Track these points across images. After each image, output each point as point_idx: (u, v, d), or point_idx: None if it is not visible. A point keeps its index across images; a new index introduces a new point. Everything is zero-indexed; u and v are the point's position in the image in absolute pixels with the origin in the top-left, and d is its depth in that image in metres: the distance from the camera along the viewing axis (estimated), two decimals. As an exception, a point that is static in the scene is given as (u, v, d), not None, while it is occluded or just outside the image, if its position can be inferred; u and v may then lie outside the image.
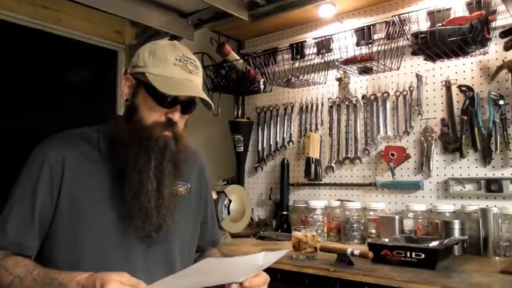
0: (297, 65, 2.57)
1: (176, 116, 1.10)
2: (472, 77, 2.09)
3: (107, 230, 1.05)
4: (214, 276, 0.96)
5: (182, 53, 1.11)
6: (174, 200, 1.12)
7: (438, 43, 1.86)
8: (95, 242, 1.04)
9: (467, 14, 1.93)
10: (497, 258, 1.79)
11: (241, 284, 0.99)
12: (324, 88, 2.61)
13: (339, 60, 2.27)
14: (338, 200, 2.40)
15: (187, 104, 1.11)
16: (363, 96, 2.44)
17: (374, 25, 2.26)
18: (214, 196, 2.31)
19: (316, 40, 2.47)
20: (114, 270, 0.89)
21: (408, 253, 1.62)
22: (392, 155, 2.27)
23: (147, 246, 1.09)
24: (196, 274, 0.90)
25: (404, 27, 2.01)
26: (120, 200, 1.06)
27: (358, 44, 2.34)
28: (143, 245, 1.08)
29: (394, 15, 2.02)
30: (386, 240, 1.84)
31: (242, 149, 2.80)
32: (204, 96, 1.10)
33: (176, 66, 1.09)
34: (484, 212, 1.85)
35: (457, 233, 1.90)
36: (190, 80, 1.10)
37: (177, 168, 1.12)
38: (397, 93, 2.31)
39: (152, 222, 1.06)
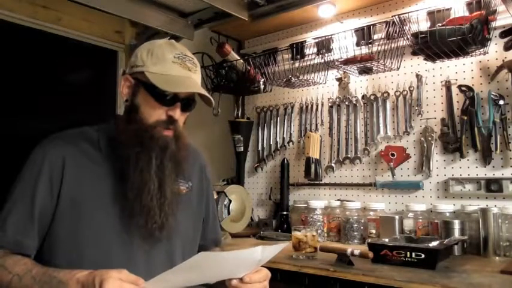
0: (297, 65, 2.57)
1: (177, 114, 1.11)
2: (472, 77, 2.09)
3: (109, 229, 1.05)
4: (212, 271, 0.96)
5: (180, 51, 1.12)
6: (176, 198, 1.12)
7: (438, 43, 1.86)
8: (97, 241, 1.04)
9: (467, 14, 1.92)
10: (497, 258, 1.79)
11: (241, 279, 0.99)
12: (324, 88, 2.61)
13: (339, 60, 2.27)
14: (338, 200, 2.40)
15: (187, 102, 1.13)
16: (363, 96, 2.43)
17: (374, 25, 2.26)
18: (215, 196, 2.31)
19: (316, 40, 2.47)
20: (116, 268, 0.88)
21: (408, 253, 1.62)
22: (393, 155, 2.27)
23: (150, 245, 1.09)
24: (193, 269, 0.90)
25: (404, 27, 2.00)
26: (122, 199, 1.06)
27: (358, 44, 2.33)
28: (145, 244, 1.08)
29: (394, 15, 2.02)
30: (387, 240, 1.84)
31: (242, 149, 2.79)
32: (204, 92, 1.11)
33: (175, 64, 1.09)
34: (484, 212, 1.84)
35: (457, 233, 1.89)
36: (189, 77, 1.11)
37: (178, 166, 1.13)
38: (397, 93, 2.31)
39: (155, 220, 1.06)
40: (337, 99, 2.54)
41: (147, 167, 1.07)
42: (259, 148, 2.84)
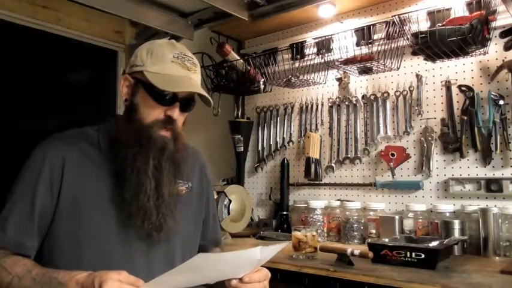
0: (297, 65, 2.57)
1: (175, 114, 1.10)
2: (472, 77, 2.09)
3: (108, 229, 1.05)
4: (211, 271, 0.96)
5: (180, 51, 1.12)
6: (174, 199, 1.12)
7: (438, 43, 1.86)
8: (96, 242, 1.04)
9: (467, 14, 1.92)
10: (497, 258, 1.79)
11: (241, 279, 0.99)
12: (324, 88, 2.61)
13: (339, 60, 2.27)
14: (338, 200, 2.40)
15: (186, 102, 1.12)
16: (363, 96, 2.43)
17: (374, 25, 2.26)
18: (215, 196, 2.31)
19: (316, 40, 2.47)
20: (115, 269, 0.89)
21: (408, 253, 1.62)
22: (392, 155, 2.27)
23: (149, 246, 1.08)
24: (193, 270, 0.90)
25: (404, 27, 2.00)
26: (120, 200, 1.06)
27: (358, 44, 2.33)
28: (144, 245, 1.08)
29: (394, 15, 2.02)
30: (387, 240, 1.84)
31: (242, 149, 2.79)
32: (203, 92, 1.11)
33: (174, 64, 1.09)
34: (484, 212, 1.84)
35: (457, 233, 1.90)
36: (189, 77, 1.11)
37: (176, 167, 1.13)
38: (397, 93, 2.31)
39: (151, 221, 1.05)
40: (337, 99, 2.54)
41: (145, 167, 1.06)
42: (259, 148, 2.84)
